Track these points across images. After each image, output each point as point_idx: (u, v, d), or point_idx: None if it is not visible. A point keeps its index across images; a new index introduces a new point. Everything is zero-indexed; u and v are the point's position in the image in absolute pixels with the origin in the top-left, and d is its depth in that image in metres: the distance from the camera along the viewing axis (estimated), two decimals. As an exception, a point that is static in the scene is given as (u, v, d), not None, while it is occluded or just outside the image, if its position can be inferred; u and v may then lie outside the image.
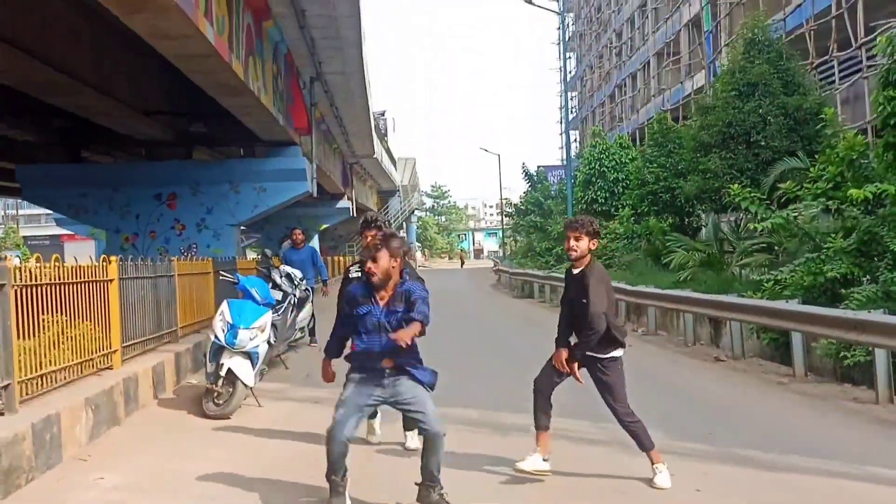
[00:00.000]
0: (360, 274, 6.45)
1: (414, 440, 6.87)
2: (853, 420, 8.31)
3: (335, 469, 5.29)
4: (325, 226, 43.96)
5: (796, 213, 14.78)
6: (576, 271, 6.13)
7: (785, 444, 7.11)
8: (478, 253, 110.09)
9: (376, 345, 5.24)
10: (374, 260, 5.23)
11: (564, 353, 6.08)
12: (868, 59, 20.45)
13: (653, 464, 6.00)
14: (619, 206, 27.49)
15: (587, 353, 5.99)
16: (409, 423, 6.80)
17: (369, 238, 6.41)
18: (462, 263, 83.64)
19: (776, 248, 15.84)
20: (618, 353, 6.06)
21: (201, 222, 24.51)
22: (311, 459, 6.76)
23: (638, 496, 5.78)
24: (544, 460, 6.08)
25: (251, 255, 38.93)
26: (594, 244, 6.10)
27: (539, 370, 6.23)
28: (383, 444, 7.17)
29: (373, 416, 7.04)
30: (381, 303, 5.26)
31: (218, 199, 24.42)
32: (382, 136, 55.47)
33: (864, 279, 11.99)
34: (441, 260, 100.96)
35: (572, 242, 6.06)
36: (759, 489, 5.91)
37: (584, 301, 5.91)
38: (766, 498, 5.73)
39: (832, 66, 22.74)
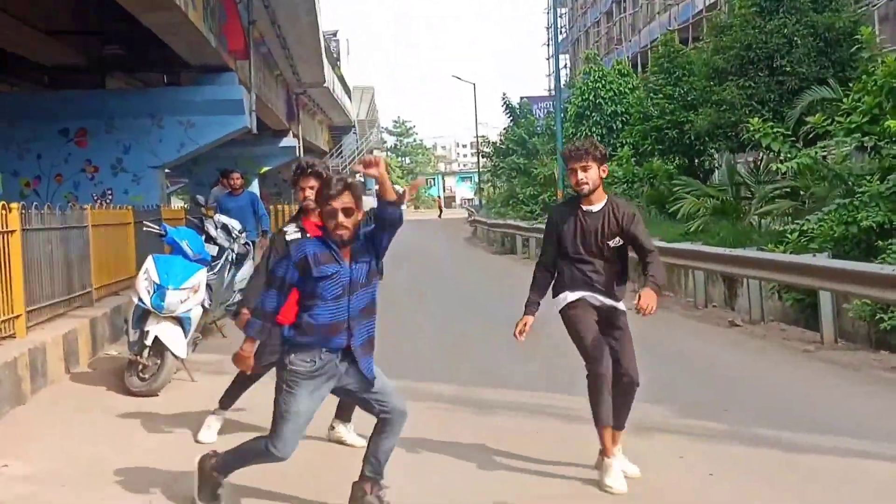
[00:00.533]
0: (298, 235, 6.38)
1: (353, 435, 6.80)
2: (889, 393, 8.48)
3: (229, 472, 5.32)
4: (266, 168, 43.56)
5: (826, 152, 14.93)
6: (596, 207, 5.93)
7: (811, 422, 7.24)
8: (449, 201, 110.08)
9: (343, 312, 5.02)
10: (347, 214, 4.93)
11: (528, 319, 6.00)
12: (912, -32, 20.53)
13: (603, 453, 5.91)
14: (618, 144, 27.58)
15: (610, 303, 5.96)
16: (346, 414, 6.81)
17: (306, 191, 6.35)
18: (440, 213, 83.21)
19: (802, 193, 16.01)
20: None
21: (117, 164, 24.22)
22: (255, 443, 6.80)
23: (648, 473, 5.86)
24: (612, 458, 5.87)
25: (178, 203, 38.66)
26: (605, 171, 5.98)
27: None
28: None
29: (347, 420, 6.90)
30: (347, 259, 5.02)
31: (137, 136, 24.11)
32: (335, 62, 54.98)
33: (905, 229, 12.17)
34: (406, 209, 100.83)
35: (580, 175, 5.87)
36: (780, 474, 6.03)
37: (626, 243, 5.89)
38: (787, 483, 5.85)
39: (870, -22, 22.82)
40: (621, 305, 6.00)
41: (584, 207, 5.96)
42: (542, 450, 6.44)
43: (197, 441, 6.87)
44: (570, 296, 5.96)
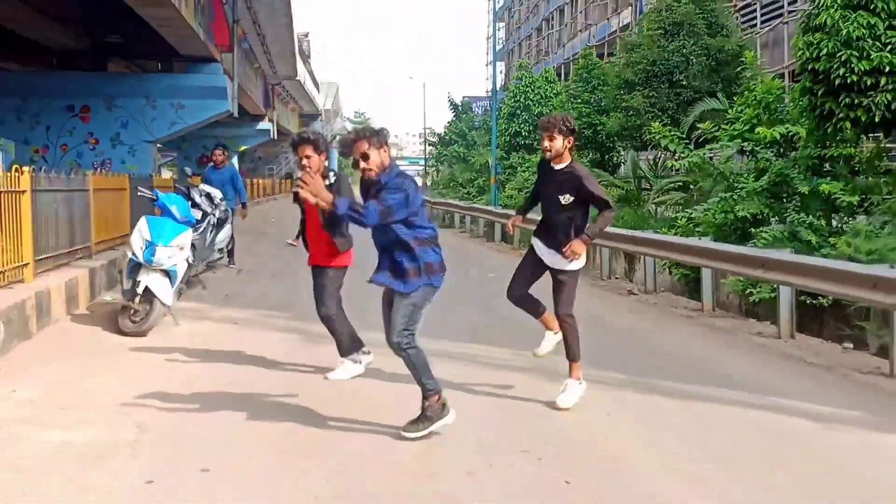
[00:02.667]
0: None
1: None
2: (757, 353, 8.67)
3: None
4: (244, 147, 43.07)
5: (713, 154, 15.15)
6: (558, 167, 6.10)
7: (693, 374, 7.39)
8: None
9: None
10: (365, 158, 5.11)
11: (516, 218, 6.40)
12: (789, 3, 20.81)
13: (569, 376, 6.17)
14: (539, 140, 27.63)
15: (551, 263, 6.13)
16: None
17: (304, 159, 6.34)
18: None
19: (692, 187, 16.24)
20: (579, 264, 6.15)
21: (116, 137, 23.78)
22: (228, 378, 6.78)
23: (553, 417, 5.95)
24: (555, 333, 6.29)
25: (167, 173, 38.01)
26: (570, 141, 6.07)
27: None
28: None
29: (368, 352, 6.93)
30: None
31: (134, 114, 23.69)
32: (306, 58, 54.31)
33: (773, 219, 12.42)
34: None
35: (546, 143, 6.06)
36: (667, 416, 6.14)
37: (577, 199, 6.00)
38: (673, 425, 5.96)
39: (755, 10, 23.10)
40: (564, 265, 6.11)
41: (552, 165, 6.18)
42: (477, 390, 6.50)
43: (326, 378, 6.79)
44: (534, 241, 6.31)
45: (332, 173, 6.51)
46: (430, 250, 5.32)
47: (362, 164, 5.14)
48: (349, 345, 6.84)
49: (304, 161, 6.31)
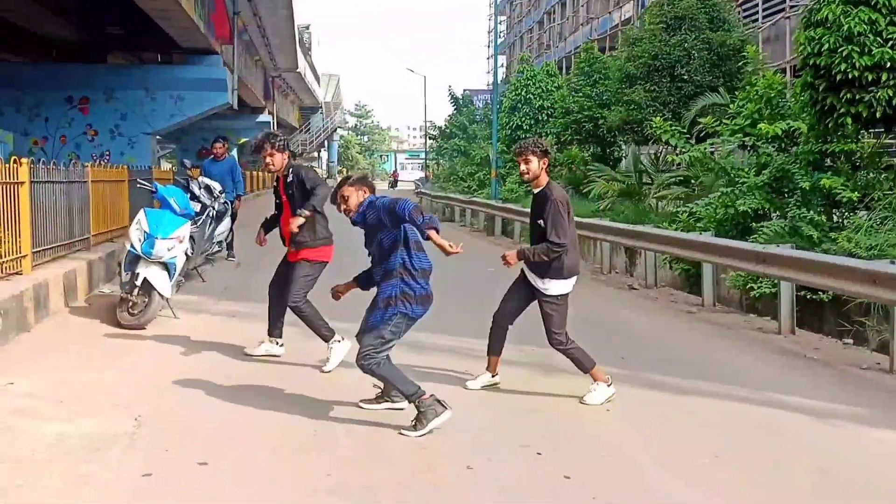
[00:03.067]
0: (275, 184, 7.24)
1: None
2: (756, 349, 8.67)
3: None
4: (244, 140, 42.98)
5: (714, 148, 15.11)
6: (536, 191, 6.27)
7: (692, 370, 7.39)
8: (395, 175, 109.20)
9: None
10: (345, 200, 5.53)
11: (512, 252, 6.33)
12: (792, -1, 20.78)
13: (592, 381, 6.23)
14: (543, 133, 27.57)
15: (533, 283, 6.19)
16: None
17: (265, 161, 7.05)
18: (395, 184, 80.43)
19: (693, 181, 16.20)
20: (558, 289, 6.15)
21: (115, 129, 23.78)
22: (227, 371, 6.78)
23: (552, 412, 5.96)
24: (493, 376, 6.44)
25: (166, 165, 37.98)
26: (545, 162, 6.20)
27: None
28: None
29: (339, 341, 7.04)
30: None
31: (133, 106, 23.67)
32: (307, 51, 54.21)
33: (774, 214, 12.40)
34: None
35: (522, 167, 6.23)
36: (666, 411, 6.15)
37: (541, 222, 6.08)
38: (672, 419, 5.97)
39: (756, 4, 23.05)
40: (542, 285, 6.17)
41: (533, 190, 6.34)
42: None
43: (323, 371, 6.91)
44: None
45: (290, 169, 7.05)
46: (415, 281, 5.40)
47: (344, 207, 5.54)
48: (327, 330, 6.96)
49: (268, 160, 6.97)
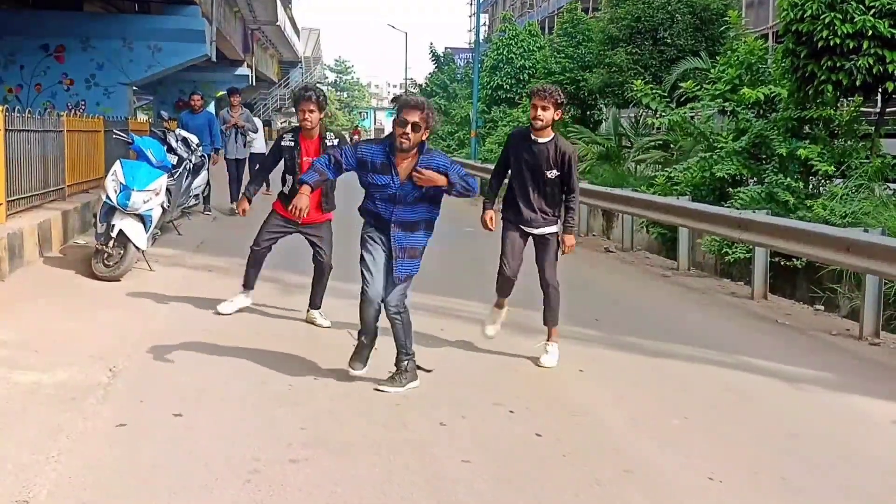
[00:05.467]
0: (292, 144, 6.65)
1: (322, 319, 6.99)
2: (729, 313, 8.77)
3: (366, 330, 5.38)
4: (221, 93, 42.46)
5: (694, 113, 15.13)
6: (542, 140, 6.02)
7: (665, 333, 7.46)
8: (378, 133, 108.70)
9: (388, 214, 5.26)
10: (414, 129, 5.03)
11: (490, 213, 6.22)
12: (777, -36, 20.68)
13: (547, 340, 6.24)
14: (524, 94, 27.46)
15: (536, 230, 6.17)
16: (315, 302, 7.02)
17: (305, 113, 6.48)
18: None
19: (672, 145, 16.24)
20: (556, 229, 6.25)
21: (91, 78, 23.41)
22: (203, 324, 6.77)
23: (527, 371, 6.01)
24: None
25: (143, 117, 37.49)
26: (559, 115, 6.03)
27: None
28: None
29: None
30: (401, 177, 5.16)
31: (110, 56, 23.29)
32: (287, 3, 53.42)
33: (751, 180, 12.48)
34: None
35: (539, 111, 5.94)
36: (638, 373, 6.22)
37: (561, 175, 6.01)
38: (643, 381, 6.04)
39: (742, -31, 22.96)
40: (551, 228, 6.17)
41: (534, 138, 6.07)
42: (452, 343, 6.55)
43: (217, 312, 6.99)
44: (509, 215, 6.24)
45: (329, 133, 6.67)
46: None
47: (409, 132, 5.03)
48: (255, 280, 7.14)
49: (308, 115, 6.45)
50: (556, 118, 6.02)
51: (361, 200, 5.44)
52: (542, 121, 5.95)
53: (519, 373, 6.01)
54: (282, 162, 6.80)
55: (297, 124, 6.72)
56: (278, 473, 4.03)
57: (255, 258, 7.00)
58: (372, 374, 5.46)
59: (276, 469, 4.08)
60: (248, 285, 7.15)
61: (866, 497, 4.26)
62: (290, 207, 5.24)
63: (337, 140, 6.56)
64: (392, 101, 5.61)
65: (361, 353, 5.42)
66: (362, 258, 5.35)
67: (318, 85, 6.92)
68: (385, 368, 5.47)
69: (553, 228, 6.20)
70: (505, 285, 6.32)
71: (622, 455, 4.56)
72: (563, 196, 6.17)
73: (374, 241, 5.34)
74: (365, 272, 5.32)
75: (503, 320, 6.46)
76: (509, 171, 6.33)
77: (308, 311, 7.03)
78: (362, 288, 5.34)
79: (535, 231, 6.19)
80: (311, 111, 6.46)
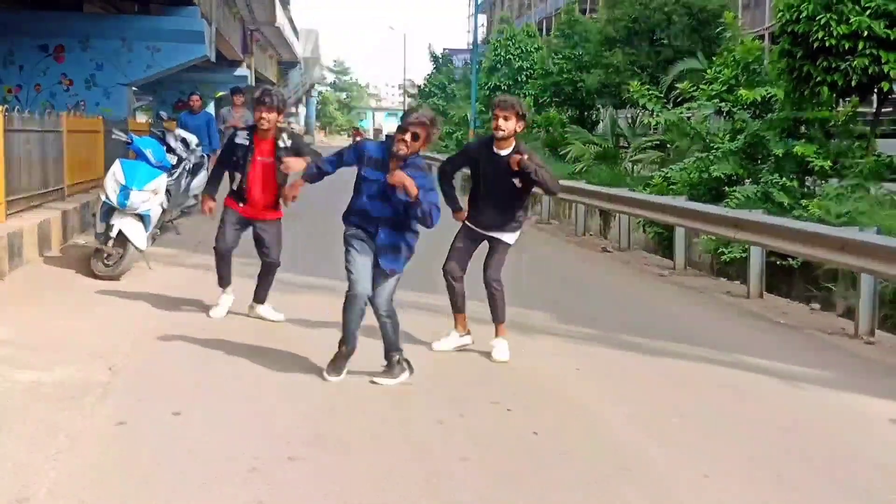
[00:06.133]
0: (247, 143, 6.67)
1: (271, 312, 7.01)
2: (725, 312, 8.77)
3: (347, 338, 5.40)
4: (221, 93, 42.43)
5: (690, 113, 15.15)
6: (504, 152, 6.02)
7: (662, 331, 7.45)
8: (377, 133, 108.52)
9: (375, 211, 5.32)
10: (414, 138, 5.14)
11: (461, 214, 6.29)
12: (773, -35, 20.69)
13: (496, 336, 6.25)
14: (522, 94, 27.45)
15: (493, 234, 6.17)
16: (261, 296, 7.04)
17: (262, 115, 6.52)
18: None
19: (668, 146, 16.26)
20: (514, 240, 6.25)
21: (91, 79, 23.37)
22: (202, 323, 6.77)
23: (524, 369, 6.00)
24: (460, 336, 6.34)
25: (142, 117, 37.44)
26: (521, 127, 6.04)
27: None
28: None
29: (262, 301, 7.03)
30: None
31: (109, 56, 23.25)
32: (286, 4, 53.42)
33: (747, 180, 12.49)
34: (340, 137, 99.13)
35: (501, 122, 5.96)
36: (635, 371, 6.22)
37: (524, 183, 6.01)
38: (641, 379, 6.04)
39: (738, -30, 22.97)
40: (507, 238, 6.20)
41: (495, 150, 6.07)
42: (419, 337, 6.55)
43: (209, 316, 6.97)
44: (470, 217, 6.28)
45: (284, 134, 6.72)
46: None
47: (409, 139, 5.13)
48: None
49: (265, 115, 6.51)
50: (519, 129, 6.04)
51: (346, 206, 5.46)
52: (503, 131, 5.98)
53: (516, 371, 6.01)
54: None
55: (254, 123, 6.75)
56: (277, 471, 4.03)
57: (220, 256, 6.99)
58: (367, 370, 5.46)
59: (275, 467, 4.08)
60: (224, 283, 7.12)
61: (862, 494, 4.27)
62: (282, 166, 5.77)
63: (290, 142, 6.67)
64: (405, 112, 5.72)
65: (338, 364, 5.44)
66: (347, 257, 5.39)
67: (277, 87, 6.95)
68: (379, 363, 5.49)
69: (512, 235, 6.22)
70: (452, 292, 6.26)
71: (619, 452, 4.56)
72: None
73: (360, 240, 5.39)
74: (351, 269, 5.35)
75: (458, 345, 6.34)
76: (457, 174, 6.37)
77: (252, 305, 7.04)
78: (348, 286, 5.36)
79: (494, 234, 6.23)
80: (269, 111, 6.52)
